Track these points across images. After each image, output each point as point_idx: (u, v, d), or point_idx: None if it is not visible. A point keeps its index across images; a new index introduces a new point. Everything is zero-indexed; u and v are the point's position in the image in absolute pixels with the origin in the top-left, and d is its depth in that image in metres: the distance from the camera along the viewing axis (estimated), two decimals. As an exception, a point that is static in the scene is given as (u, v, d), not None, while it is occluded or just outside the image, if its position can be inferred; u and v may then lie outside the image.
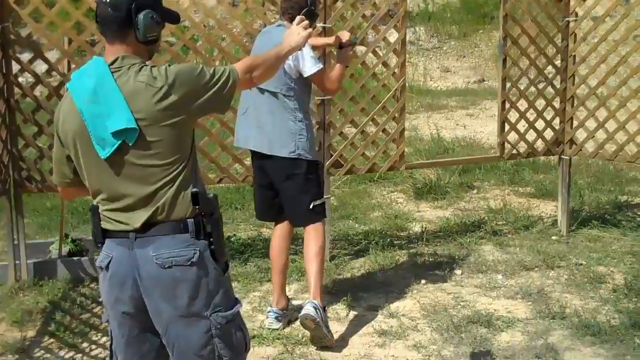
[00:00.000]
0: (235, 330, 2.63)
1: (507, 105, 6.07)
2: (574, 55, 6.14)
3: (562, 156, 6.29)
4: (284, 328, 4.65)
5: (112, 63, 2.49)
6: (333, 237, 6.25)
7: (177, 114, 2.47)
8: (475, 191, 7.88)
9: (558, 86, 6.21)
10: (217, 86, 2.56)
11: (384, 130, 5.73)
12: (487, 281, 5.36)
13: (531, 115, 6.18)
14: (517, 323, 4.66)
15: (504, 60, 5.96)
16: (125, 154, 2.47)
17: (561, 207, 6.38)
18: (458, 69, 17.00)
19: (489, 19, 18.07)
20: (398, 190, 7.95)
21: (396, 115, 5.69)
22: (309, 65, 4.37)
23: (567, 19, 6.09)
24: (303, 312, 4.29)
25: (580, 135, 6.31)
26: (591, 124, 6.15)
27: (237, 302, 2.67)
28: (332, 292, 5.16)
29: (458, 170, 8.13)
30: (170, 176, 2.51)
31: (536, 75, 6.15)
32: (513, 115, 6.16)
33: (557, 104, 6.25)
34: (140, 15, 2.51)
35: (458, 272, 5.54)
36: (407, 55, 5.71)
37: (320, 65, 4.46)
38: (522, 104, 6.22)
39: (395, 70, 5.67)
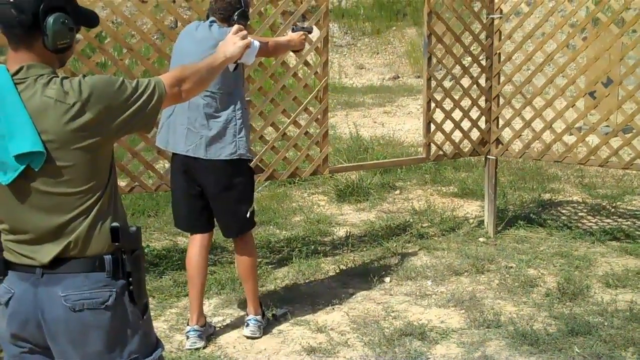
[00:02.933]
0: None
1: (433, 104, 5.87)
2: (499, 53, 5.99)
3: (489, 156, 6.14)
4: (204, 347, 4.32)
5: (16, 73, 2.13)
6: (254, 245, 5.95)
7: (91, 135, 2.14)
8: (398, 192, 7.69)
9: (483, 85, 6.05)
10: (139, 102, 2.22)
11: (306, 133, 5.43)
12: (416, 288, 5.15)
13: (457, 114, 6.00)
14: (451, 334, 4.45)
15: (429, 59, 5.76)
16: (30, 181, 2.14)
17: (487, 208, 6.24)
18: (372, 65, 16.94)
19: (401, 15, 18.10)
20: (319, 192, 7.70)
21: (319, 117, 5.40)
22: (251, 54, 4.10)
23: (491, 16, 5.94)
24: (247, 331, 4.45)
25: (507, 134, 6.18)
26: (517, 123, 6.02)
27: (157, 346, 2.37)
28: (255, 306, 4.84)
29: (380, 170, 7.93)
30: (84, 206, 2.19)
31: (461, 74, 5.97)
32: (438, 115, 5.96)
33: (482, 103, 6.09)
34: (50, 20, 2.13)
35: (386, 279, 5.31)
36: (329, 54, 5.44)
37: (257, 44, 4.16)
38: (447, 104, 6.02)
39: (318, 70, 5.38)
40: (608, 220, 6.60)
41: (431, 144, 5.94)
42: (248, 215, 4.32)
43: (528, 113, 6.01)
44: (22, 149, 2.08)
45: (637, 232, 6.25)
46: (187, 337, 4.33)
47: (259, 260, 5.63)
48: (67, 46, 2.22)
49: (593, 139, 6.01)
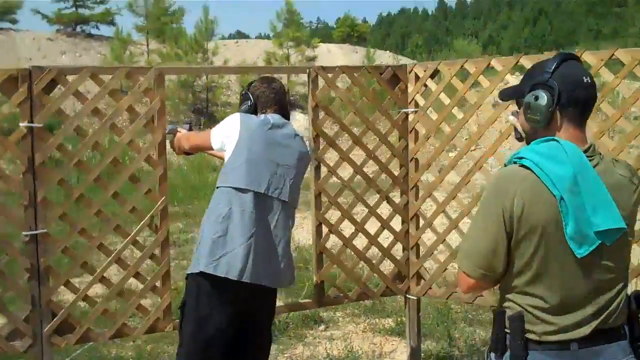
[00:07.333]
0: None
1: (325, 229, 4.36)
2: (416, 159, 4.51)
3: (408, 295, 4.59)
4: None
5: (586, 150, 2.20)
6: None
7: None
8: (322, 327, 6.13)
9: (397, 201, 4.55)
10: None
11: (137, 275, 3.94)
12: None
13: (359, 241, 4.49)
14: None
15: (317, 167, 4.29)
16: (599, 255, 2.16)
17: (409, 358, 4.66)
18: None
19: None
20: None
21: (155, 252, 3.91)
22: None
23: (404, 110, 4.49)
24: None
25: (429, 266, 4.65)
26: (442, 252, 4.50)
27: None
28: None
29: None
30: (625, 279, 2.24)
31: (364, 187, 4.48)
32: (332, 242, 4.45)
33: (397, 225, 4.56)
34: None
35: None
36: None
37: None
38: (345, 227, 4.50)
39: (150, 187, 3.95)
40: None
41: (324, 282, 4.39)
42: None
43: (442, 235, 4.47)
44: (608, 224, 2.12)
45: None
46: None
47: None
48: None
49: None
